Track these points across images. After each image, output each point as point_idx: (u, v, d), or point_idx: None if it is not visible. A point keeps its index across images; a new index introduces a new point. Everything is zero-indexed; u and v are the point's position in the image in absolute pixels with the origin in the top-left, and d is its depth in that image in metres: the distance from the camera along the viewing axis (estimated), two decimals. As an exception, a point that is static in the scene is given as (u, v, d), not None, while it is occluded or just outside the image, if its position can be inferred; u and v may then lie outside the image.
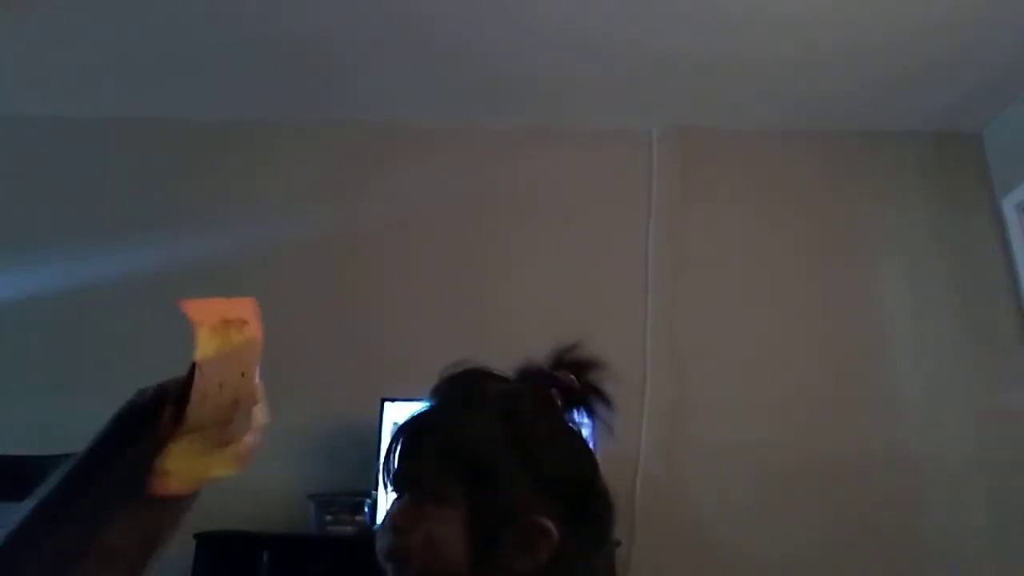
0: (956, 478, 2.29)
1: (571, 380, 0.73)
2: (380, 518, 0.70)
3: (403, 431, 0.72)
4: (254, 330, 0.61)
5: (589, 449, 0.72)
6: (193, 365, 0.58)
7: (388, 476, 0.71)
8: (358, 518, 1.97)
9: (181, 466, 0.56)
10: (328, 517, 1.97)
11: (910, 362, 2.43)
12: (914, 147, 2.68)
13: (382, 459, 0.72)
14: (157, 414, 0.59)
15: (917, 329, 2.48)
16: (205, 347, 0.59)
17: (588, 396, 0.72)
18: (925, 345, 2.45)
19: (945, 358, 2.43)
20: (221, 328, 0.60)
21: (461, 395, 0.74)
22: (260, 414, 0.61)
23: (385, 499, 0.71)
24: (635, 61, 2.36)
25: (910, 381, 2.41)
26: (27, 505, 0.55)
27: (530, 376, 0.75)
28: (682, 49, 2.30)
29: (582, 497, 0.67)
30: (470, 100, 2.60)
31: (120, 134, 2.67)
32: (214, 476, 0.57)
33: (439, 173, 2.65)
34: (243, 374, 0.59)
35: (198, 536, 1.86)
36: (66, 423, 2.23)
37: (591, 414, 0.72)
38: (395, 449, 0.71)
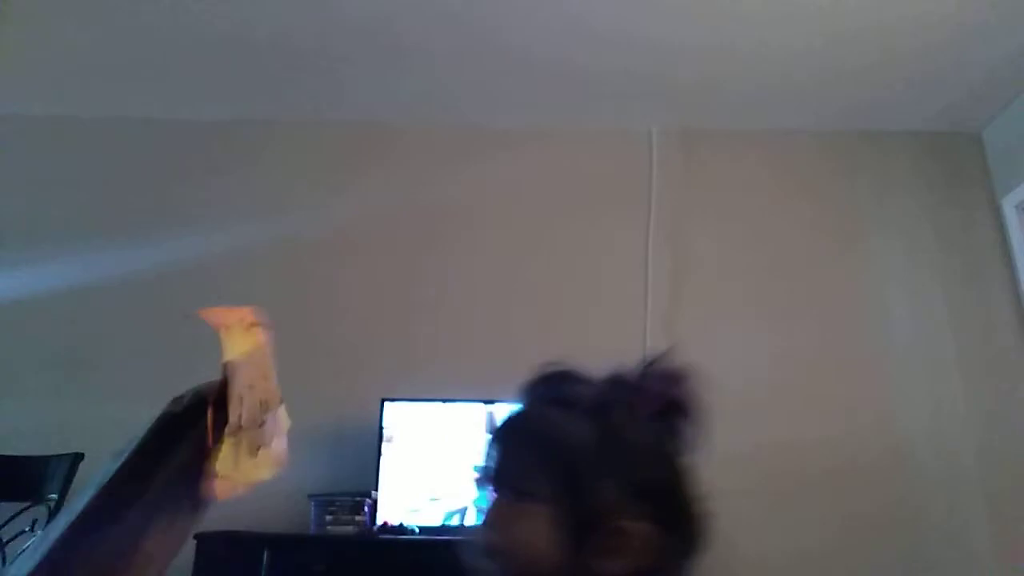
0: (956, 476, 2.29)
1: (657, 392, 0.72)
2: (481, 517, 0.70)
3: (501, 430, 0.74)
4: (262, 335, 0.62)
5: (678, 455, 0.71)
6: (226, 367, 0.59)
7: (485, 473, 0.72)
8: (358, 518, 1.97)
9: (230, 469, 0.56)
10: (328, 517, 1.97)
11: (911, 361, 2.43)
12: (914, 147, 2.68)
13: (482, 457, 0.73)
14: (198, 419, 0.60)
15: (917, 329, 2.48)
16: (233, 350, 0.60)
17: (674, 410, 0.72)
18: (925, 345, 2.45)
19: (945, 358, 2.43)
20: (244, 331, 0.61)
21: (552, 395, 0.74)
22: (283, 417, 0.62)
23: (479, 498, 0.73)
24: (635, 60, 2.36)
25: (911, 380, 2.41)
26: (70, 515, 0.55)
27: (618, 384, 0.74)
28: (682, 49, 2.30)
29: (671, 503, 0.67)
30: (470, 100, 2.60)
31: (121, 134, 2.67)
32: (258, 480, 0.58)
33: (439, 173, 2.65)
34: (264, 376, 0.59)
35: (198, 536, 1.86)
36: (66, 423, 2.25)
37: (677, 426, 0.71)
38: (491, 448, 0.72)
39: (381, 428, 2.11)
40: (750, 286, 2.51)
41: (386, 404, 2.14)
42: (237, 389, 0.58)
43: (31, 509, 1.96)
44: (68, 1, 2.12)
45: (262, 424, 0.59)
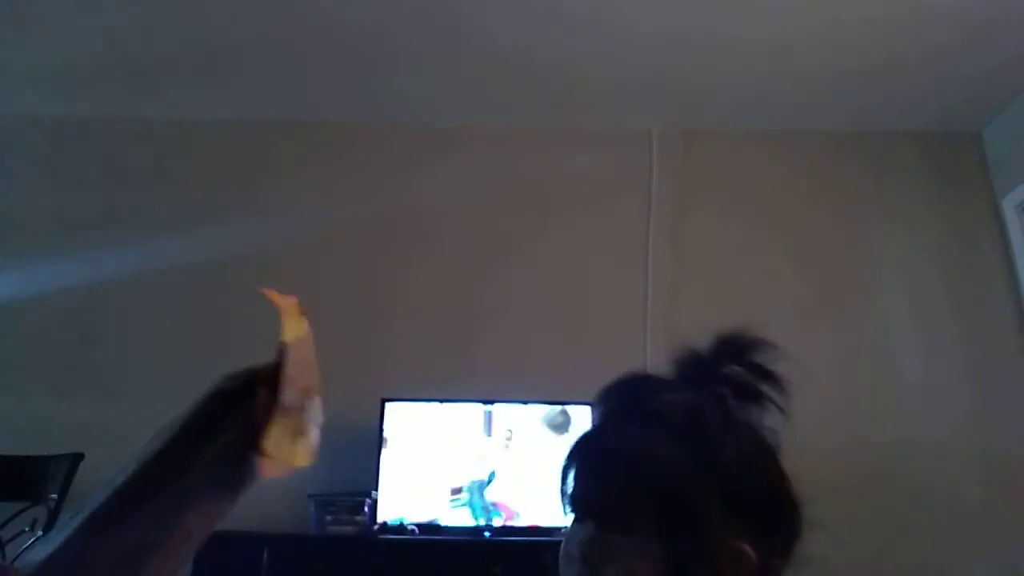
0: (955, 475, 2.29)
1: (740, 374, 0.68)
2: (564, 544, 0.64)
3: (583, 450, 0.67)
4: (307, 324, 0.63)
5: (774, 453, 0.67)
6: (283, 346, 0.60)
7: (565, 497, 0.65)
8: (358, 518, 1.97)
9: (278, 449, 0.57)
10: (328, 517, 1.97)
11: (910, 362, 2.43)
12: (914, 147, 2.68)
13: (558, 477, 0.66)
14: (250, 397, 0.59)
15: (917, 328, 2.48)
16: (290, 331, 0.61)
17: (760, 388, 0.68)
18: (925, 345, 2.45)
19: (945, 358, 2.43)
20: (297, 317, 0.63)
21: (638, 410, 0.67)
22: (319, 409, 0.63)
23: (565, 520, 0.66)
24: (635, 60, 2.36)
25: (910, 380, 2.40)
26: (110, 488, 0.55)
27: (697, 377, 0.69)
28: (682, 49, 2.30)
29: (775, 509, 0.64)
30: (470, 100, 2.60)
31: (121, 134, 2.67)
32: (296, 466, 0.58)
33: (436, 175, 2.65)
34: (309, 364, 0.61)
35: (198, 536, 1.86)
36: (66, 423, 2.25)
37: (766, 405, 0.67)
38: (573, 468, 0.66)
39: (381, 428, 2.11)
40: (750, 286, 2.51)
41: (386, 404, 2.14)
42: (290, 371, 0.59)
43: (31, 509, 1.96)
44: (68, 1, 2.13)
45: (304, 410, 0.59)
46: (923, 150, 2.68)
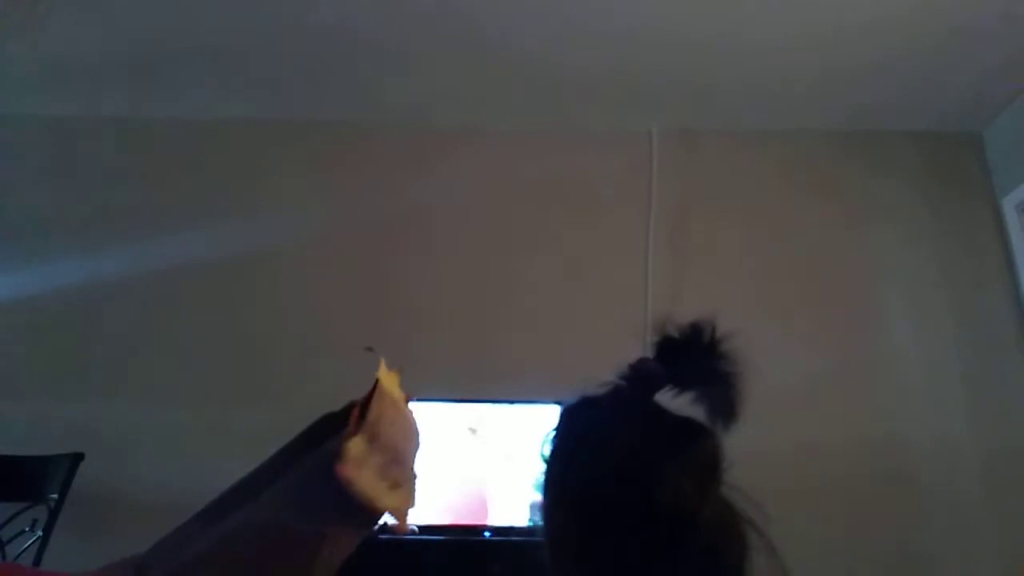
0: (955, 475, 2.28)
1: (672, 371, 0.70)
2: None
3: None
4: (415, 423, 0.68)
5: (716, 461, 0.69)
6: (378, 381, 0.67)
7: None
8: (358, 518, 1.97)
9: (361, 473, 0.59)
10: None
11: (910, 362, 2.43)
12: (914, 147, 2.68)
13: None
14: (348, 419, 0.65)
15: (917, 328, 2.48)
16: (384, 380, 0.68)
17: (701, 382, 0.70)
18: (925, 345, 2.45)
19: (945, 358, 2.43)
20: (394, 380, 0.70)
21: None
22: (415, 489, 0.65)
23: None
24: (635, 60, 2.36)
25: (910, 380, 2.40)
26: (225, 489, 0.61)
27: (638, 389, 0.71)
28: (682, 49, 2.30)
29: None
30: (469, 101, 2.60)
31: (121, 134, 2.67)
32: (383, 506, 0.60)
33: (436, 175, 2.65)
34: (407, 444, 0.64)
35: (198, 536, 1.86)
36: (66, 423, 2.25)
37: (716, 392, 0.69)
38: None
39: (381, 428, 2.11)
40: (750, 287, 2.51)
41: (386, 404, 2.14)
42: (378, 405, 0.64)
43: (31, 509, 1.96)
44: (69, 1, 2.12)
45: (394, 464, 0.63)
46: (923, 150, 2.68)
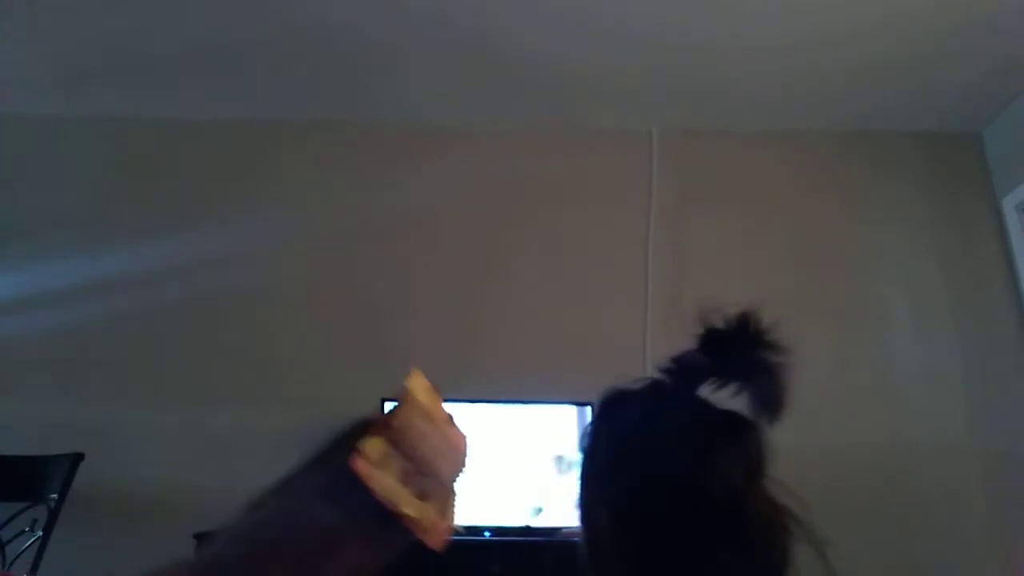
0: (955, 475, 2.29)
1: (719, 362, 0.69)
2: None
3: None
4: (465, 446, 0.66)
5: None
6: (405, 389, 0.64)
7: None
8: (358, 518, 1.97)
9: (379, 464, 0.58)
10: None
11: (910, 361, 2.43)
12: (914, 147, 2.68)
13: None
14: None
15: (917, 328, 2.48)
16: (416, 388, 0.64)
17: (746, 371, 0.68)
18: (925, 344, 2.45)
19: (945, 357, 2.43)
20: (432, 395, 0.65)
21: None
22: (449, 514, 0.63)
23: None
24: (635, 60, 2.36)
25: (910, 380, 2.40)
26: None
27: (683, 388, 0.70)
28: (682, 49, 2.30)
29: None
30: (470, 101, 2.60)
31: (120, 134, 2.67)
32: (405, 510, 0.59)
33: (436, 175, 2.65)
34: (440, 461, 0.62)
35: (198, 536, 1.85)
36: (66, 423, 2.25)
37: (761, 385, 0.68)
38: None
39: (381, 428, 2.10)
40: (750, 286, 2.51)
41: (386, 404, 2.14)
42: (406, 412, 0.62)
43: (31, 509, 1.96)
44: (68, 1, 2.12)
45: (423, 475, 0.61)
46: (923, 150, 2.68)
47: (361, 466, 0.56)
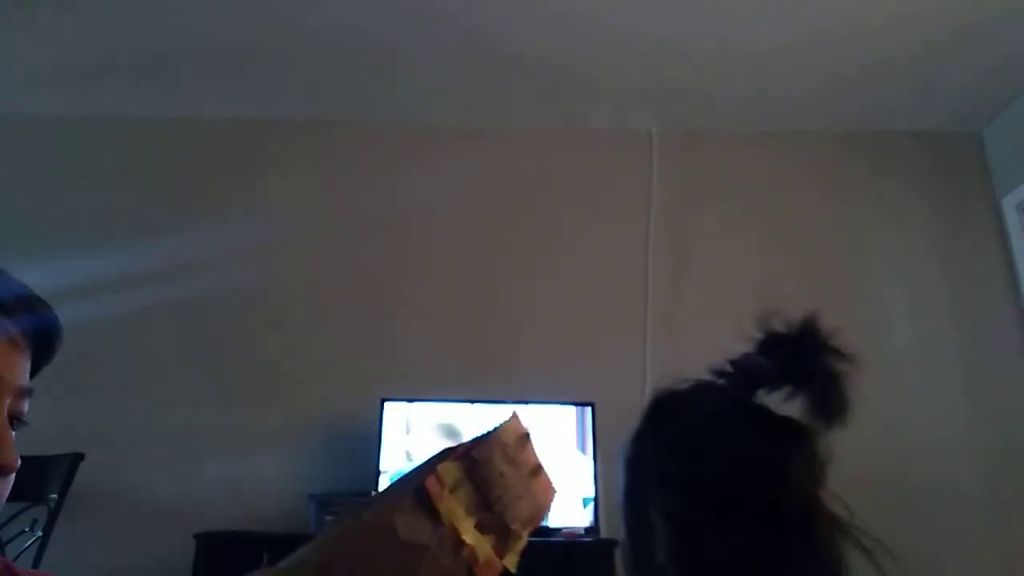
0: (955, 475, 2.29)
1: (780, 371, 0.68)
2: None
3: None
4: (549, 498, 0.65)
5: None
6: (496, 429, 0.63)
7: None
8: (358, 518, 1.97)
9: (450, 487, 0.59)
10: (328, 517, 1.97)
11: (910, 362, 2.43)
12: (914, 147, 2.68)
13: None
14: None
15: (917, 329, 2.48)
16: (506, 428, 0.64)
17: (807, 379, 0.68)
18: (925, 344, 2.45)
19: (945, 357, 2.43)
20: (521, 440, 0.64)
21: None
22: (515, 559, 0.63)
23: None
24: (635, 60, 2.36)
25: (910, 380, 2.40)
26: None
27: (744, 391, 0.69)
28: (682, 49, 2.30)
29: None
30: (470, 100, 2.60)
31: (120, 134, 2.67)
32: (462, 536, 0.59)
33: (436, 175, 2.65)
34: (514, 503, 0.62)
35: (198, 536, 1.86)
36: (66, 423, 2.25)
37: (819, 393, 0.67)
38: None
39: (381, 428, 2.11)
40: (750, 287, 2.51)
41: (386, 404, 2.14)
42: (493, 448, 0.62)
43: (31, 509, 1.96)
44: (68, 1, 2.12)
45: (488, 510, 0.61)
46: (923, 150, 2.68)
47: (432, 485, 0.57)
